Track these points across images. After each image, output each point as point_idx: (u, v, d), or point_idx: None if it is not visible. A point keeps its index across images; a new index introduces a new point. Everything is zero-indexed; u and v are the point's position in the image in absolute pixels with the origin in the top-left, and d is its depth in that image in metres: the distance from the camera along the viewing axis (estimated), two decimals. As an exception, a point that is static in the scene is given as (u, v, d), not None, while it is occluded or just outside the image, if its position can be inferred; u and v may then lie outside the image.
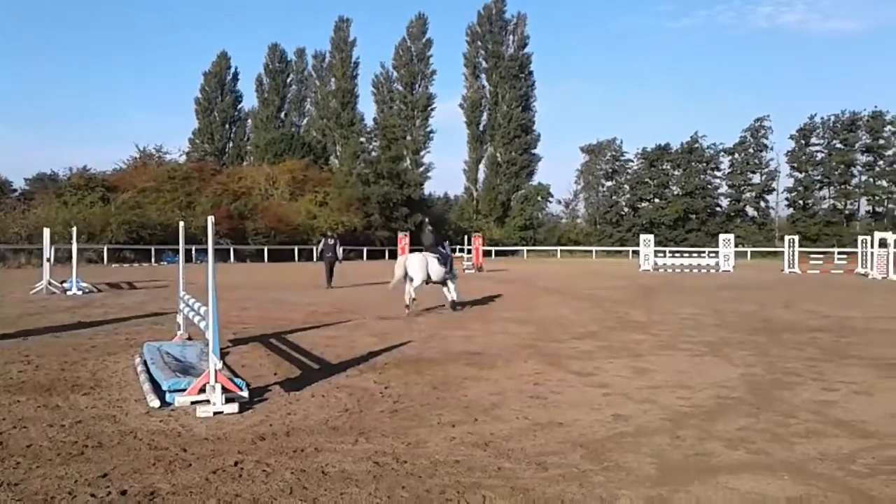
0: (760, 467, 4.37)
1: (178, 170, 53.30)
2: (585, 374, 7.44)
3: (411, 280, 13.83)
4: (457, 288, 14.74)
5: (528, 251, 69.71)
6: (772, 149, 72.12)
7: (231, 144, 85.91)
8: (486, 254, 38.13)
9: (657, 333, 10.92)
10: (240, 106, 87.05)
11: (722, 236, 39.82)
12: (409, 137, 77.90)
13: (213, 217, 6.41)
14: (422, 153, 79.53)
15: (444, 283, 14.47)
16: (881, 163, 68.13)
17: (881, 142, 67.67)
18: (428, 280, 14.06)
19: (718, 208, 74.10)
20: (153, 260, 40.71)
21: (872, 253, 31.25)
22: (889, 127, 67.31)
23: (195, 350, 7.89)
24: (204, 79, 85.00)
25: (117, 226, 40.81)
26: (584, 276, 31.16)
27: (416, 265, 13.96)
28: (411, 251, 14.44)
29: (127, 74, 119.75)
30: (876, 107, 68.05)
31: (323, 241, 23.31)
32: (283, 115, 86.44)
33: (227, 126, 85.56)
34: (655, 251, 40.09)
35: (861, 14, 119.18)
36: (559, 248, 70.99)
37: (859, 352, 9.11)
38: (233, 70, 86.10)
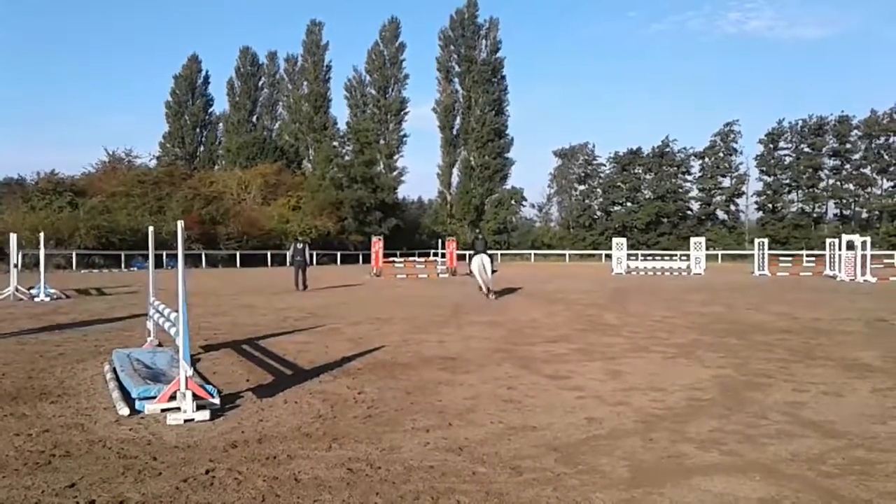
0: (732, 468, 4.40)
1: (148, 174, 52.66)
2: (559, 378, 7.46)
3: (485, 272, 18.88)
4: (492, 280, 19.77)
5: (501, 255, 69.82)
6: (741, 153, 73.12)
7: (202, 148, 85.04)
8: (461, 258, 38.13)
9: (630, 336, 10.99)
10: (211, 109, 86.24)
11: (693, 239, 40.21)
12: (382, 141, 77.78)
13: (182, 222, 6.34)
14: (395, 157, 79.55)
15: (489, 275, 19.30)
16: (848, 167, 69.30)
17: (848, 146, 68.85)
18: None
19: (689, 212, 74.88)
20: (123, 265, 40.14)
21: (840, 255, 31.76)
22: (855, 131, 68.54)
23: (165, 357, 7.79)
24: (174, 82, 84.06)
25: (86, 231, 40.25)
26: (558, 279, 31.31)
27: (488, 262, 19.12)
28: (475, 253, 20.12)
29: (96, 77, 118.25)
30: (843, 111, 69.39)
31: (293, 246, 24.27)
32: (254, 118, 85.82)
33: (198, 130, 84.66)
34: (628, 254, 40.38)
35: (825, 21, 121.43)
36: (533, 251, 71.27)
37: (828, 353, 9.23)
38: (203, 73, 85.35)
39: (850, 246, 30.59)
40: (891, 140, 67.23)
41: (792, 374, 7.61)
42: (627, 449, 4.83)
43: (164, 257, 37.63)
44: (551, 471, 4.36)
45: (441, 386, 7.03)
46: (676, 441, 5.02)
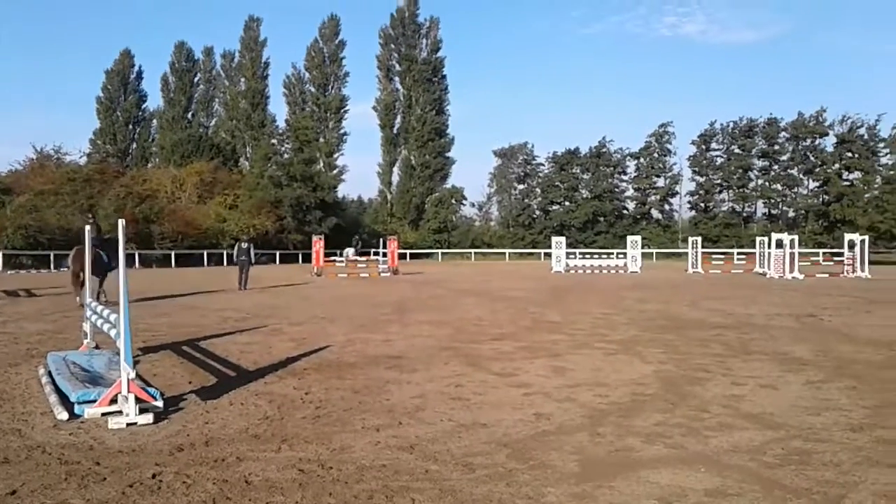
0: (678, 461, 4.51)
1: (78, 172, 50.93)
2: (506, 375, 7.53)
3: (349, 255, 36.17)
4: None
5: (442, 254, 69.98)
6: (675, 154, 74.72)
7: (135, 145, 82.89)
8: (402, 256, 38.17)
9: (572, 333, 11.15)
10: (144, 106, 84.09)
11: (629, 238, 40.91)
12: (322, 139, 76.92)
13: (123, 220, 6.17)
14: (335, 155, 78.73)
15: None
16: (776, 167, 71.49)
17: (776, 147, 71.05)
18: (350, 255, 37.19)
19: (625, 211, 76.22)
20: (52, 266, 38.73)
21: (769, 253, 32.84)
22: (783, 133, 70.85)
23: (103, 359, 7.57)
24: (106, 77, 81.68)
25: (13, 230, 38.85)
26: (499, 277, 31.53)
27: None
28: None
29: (22, 71, 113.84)
30: (771, 114, 71.48)
31: (237, 244, 23.86)
32: (190, 115, 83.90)
33: (130, 126, 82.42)
34: (567, 253, 40.87)
35: (755, 26, 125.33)
36: (473, 250, 71.54)
37: (762, 347, 9.55)
38: (136, 68, 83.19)
39: (780, 244, 31.63)
40: (816, 142, 69.67)
41: (729, 369, 7.85)
42: (576, 444, 4.91)
43: (97, 257, 36.47)
44: (503, 466, 4.40)
45: (389, 385, 7.02)
46: (623, 435, 5.12)
